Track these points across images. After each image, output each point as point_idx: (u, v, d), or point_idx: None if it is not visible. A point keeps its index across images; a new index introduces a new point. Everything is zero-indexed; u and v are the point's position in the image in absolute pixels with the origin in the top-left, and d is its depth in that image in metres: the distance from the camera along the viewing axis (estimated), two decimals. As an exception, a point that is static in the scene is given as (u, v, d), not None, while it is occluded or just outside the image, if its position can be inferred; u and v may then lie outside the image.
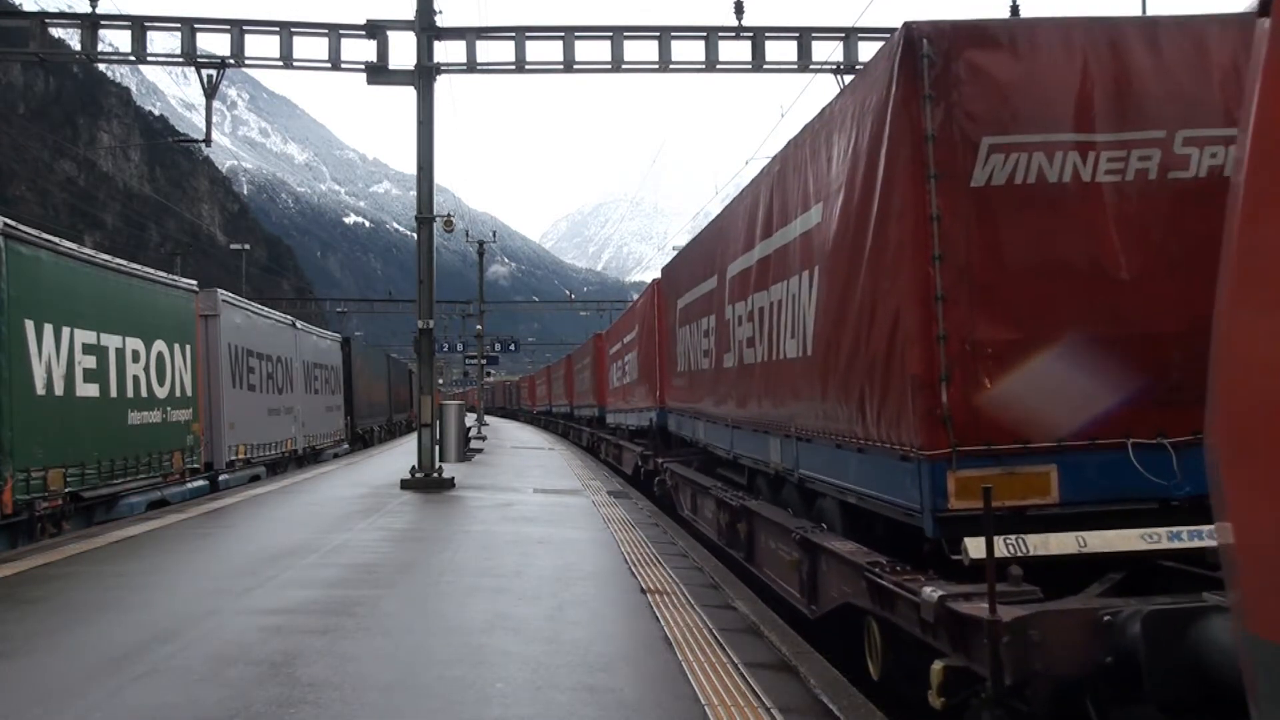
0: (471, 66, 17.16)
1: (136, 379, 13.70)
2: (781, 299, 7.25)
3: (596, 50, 17.26)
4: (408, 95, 17.08)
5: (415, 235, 17.60)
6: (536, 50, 17.25)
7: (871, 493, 5.62)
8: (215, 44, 17.83)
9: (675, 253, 15.97)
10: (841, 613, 5.84)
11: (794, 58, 17.40)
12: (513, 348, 51.20)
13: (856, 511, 6.08)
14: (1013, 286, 4.81)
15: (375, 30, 16.95)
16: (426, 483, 16.19)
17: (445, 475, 16.65)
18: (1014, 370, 4.74)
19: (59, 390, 11.42)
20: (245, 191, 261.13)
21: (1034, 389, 4.74)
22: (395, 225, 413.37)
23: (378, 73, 16.93)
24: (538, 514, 12.81)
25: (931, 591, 4.36)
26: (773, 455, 7.89)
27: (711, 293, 10.21)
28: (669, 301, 13.83)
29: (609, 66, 17.27)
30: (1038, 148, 4.77)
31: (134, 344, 13.62)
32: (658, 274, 17.54)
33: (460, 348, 47.56)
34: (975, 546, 4.38)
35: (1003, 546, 4.40)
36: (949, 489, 4.68)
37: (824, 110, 6.48)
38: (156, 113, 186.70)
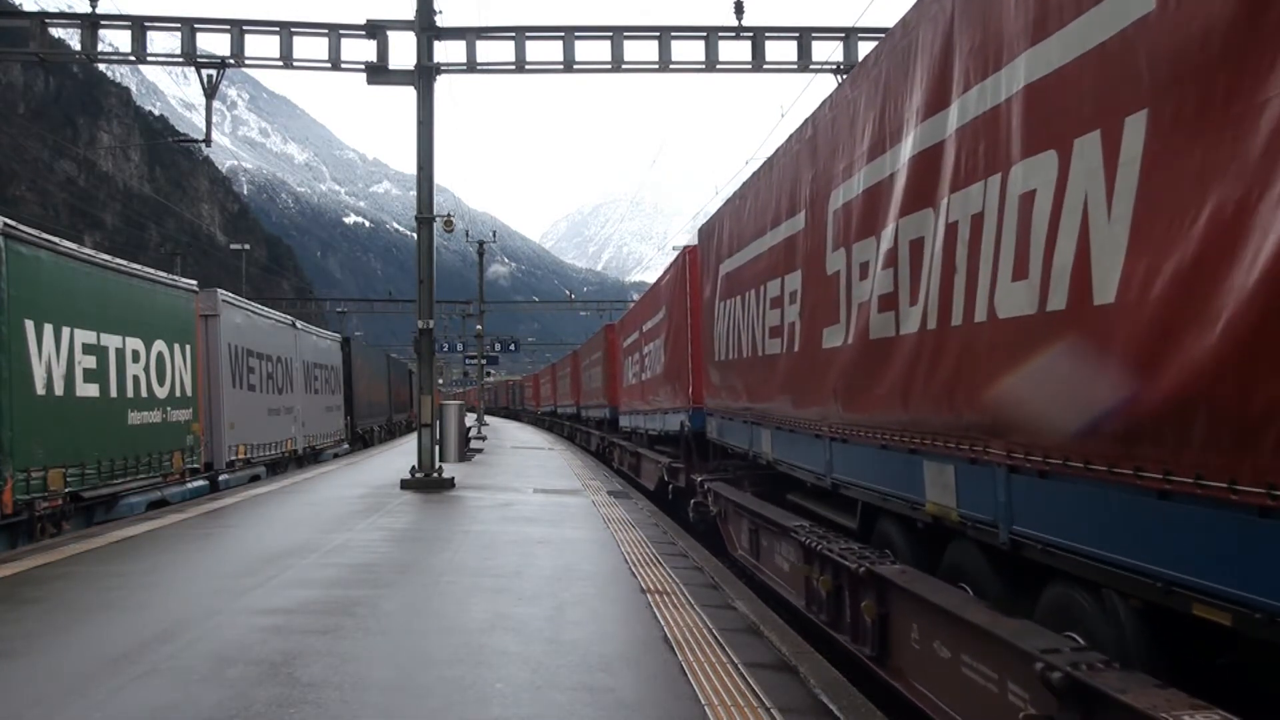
0: (471, 66, 17.16)
1: (136, 379, 13.69)
2: (992, 208, 4.19)
3: (596, 50, 17.28)
4: (408, 95, 17.09)
5: (415, 235, 17.59)
6: (536, 50, 17.28)
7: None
8: (215, 44, 17.89)
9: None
10: None
11: (794, 58, 17.41)
12: (513, 348, 51.18)
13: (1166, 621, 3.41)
14: None
15: (375, 30, 16.95)
16: (426, 483, 16.18)
17: (445, 475, 16.65)
18: None
19: (59, 390, 11.42)
20: (245, 191, 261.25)
21: None
22: (395, 225, 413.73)
23: (378, 73, 16.93)
24: (538, 514, 12.80)
25: None
26: (935, 492, 4.95)
27: (791, 242, 7.52)
28: (707, 272, 11.33)
29: (609, 66, 17.27)
30: None
31: (134, 344, 13.62)
32: (659, 273, 17.26)
33: (460, 348, 47.55)
34: None
35: None
36: None
37: None
38: (156, 113, 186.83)
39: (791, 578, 7.24)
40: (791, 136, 7.92)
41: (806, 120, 7.52)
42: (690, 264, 12.99)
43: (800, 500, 8.06)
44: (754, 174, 9.19)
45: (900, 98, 5.38)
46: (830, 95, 6.98)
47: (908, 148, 5.22)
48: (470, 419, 32.96)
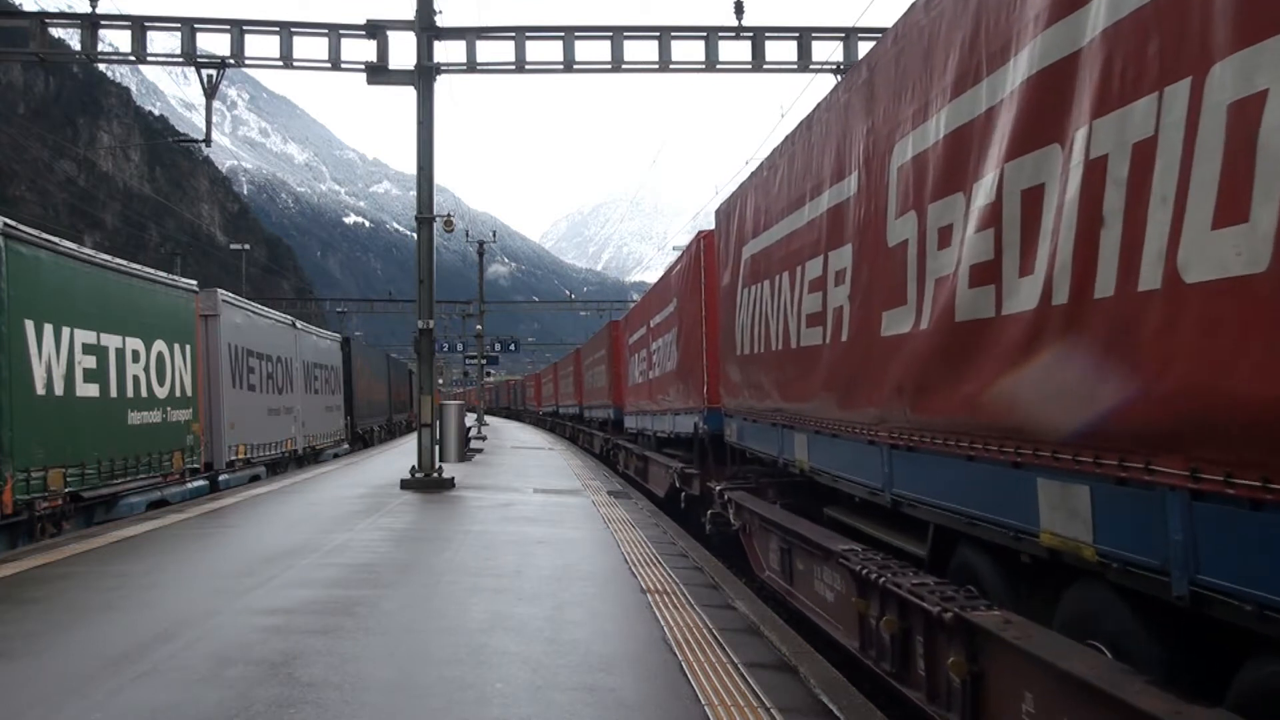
0: (471, 66, 17.16)
1: (136, 379, 13.70)
2: (1173, 129, 3.07)
3: (596, 50, 17.28)
4: (408, 95, 17.09)
5: (415, 235, 17.59)
6: (536, 50, 17.28)
7: None
8: (215, 44, 17.90)
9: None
10: None
11: (794, 58, 17.41)
12: (513, 348, 51.19)
13: None
14: None
15: (375, 30, 16.95)
16: (426, 483, 16.18)
17: (445, 475, 16.64)
18: None
19: (59, 390, 11.42)
20: (245, 191, 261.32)
21: None
22: (395, 225, 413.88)
23: (378, 73, 16.94)
24: (538, 514, 12.80)
25: None
26: (1055, 519, 3.81)
27: (837, 212, 6.36)
28: (725, 257, 10.20)
29: (609, 66, 17.27)
30: None
31: (134, 344, 13.62)
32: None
33: (460, 348, 47.57)
34: None
35: None
36: None
37: None
38: (156, 113, 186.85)
39: (839, 611, 5.96)
40: (837, 87, 6.78)
41: (859, 63, 6.41)
42: (705, 250, 11.91)
43: (843, 517, 6.85)
44: (786, 139, 7.93)
45: (1005, 6, 4.20)
46: (893, 28, 5.64)
47: (1019, 68, 4.03)
48: (470, 419, 32.94)
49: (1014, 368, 4.00)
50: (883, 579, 4.92)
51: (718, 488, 9.69)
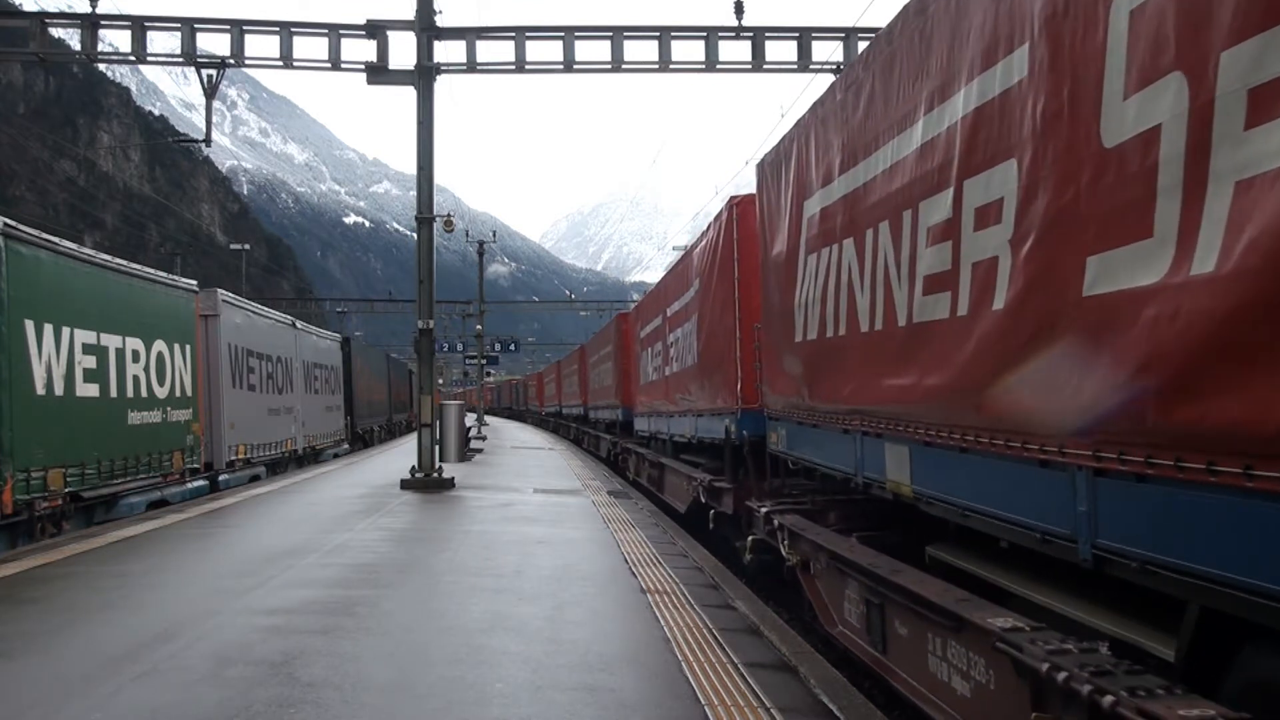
0: (471, 66, 17.16)
1: (136, 379, 13.70)
2: None
3: (596, 50, 17.28)
4: (408, 95, 17.10)
5: (415, 235, 17.60)
6: (536, 50, 17.29)
7: None
8: (215, 44, 17.89)
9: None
10: None
11: (794, 58, 17.42)
12: (513, 348, 51.19)
13: None
14: None
15: (375, 30, 16.95)
16: (426, 483, 16.18)
17: (445, 475, 16.65)
18: None
19: (59, 390, 11.42)
20: (245, 191, 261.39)
21: None
22: (395, 225, 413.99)
23: (378, 73, 16.94)
24: (538, 514, 12.80)
25: None
26: None
27: (985, 115, 4.31)
28: (774, 220, 8.06)
29: (609, 66, 17.27)
30: None
31: (134, 344, 13.62)
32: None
33: (460, 348, 47.58)
34: None
35: None
36: None
37: None
38: (156, 113, 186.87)
39: (983, 714, 3.99)
40: None
41: None
42: (738, 218, 10.14)
43: (964, 564, 4.84)
44: (875, 41, 5.98)
45: None
46: None
47: None
48: (470, 419, 32.95)
49: None
50: (1114, 700, 2.80)
51: (762, 509, 7.66)
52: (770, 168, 8.36)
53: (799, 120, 7.56)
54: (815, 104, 7.09)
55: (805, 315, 7.19)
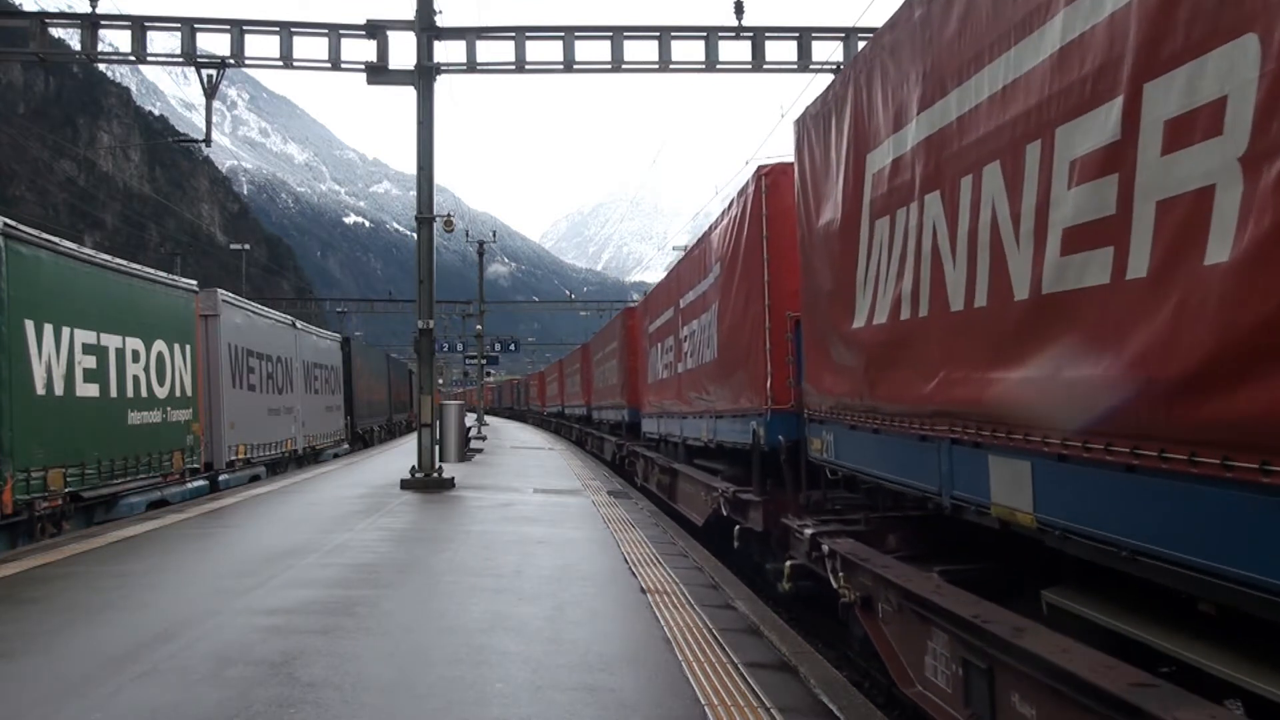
0: (471, 66, 17.16)
1: (136, 379, 13.70)
2: None
3: (596, 50, 17.29)
4: (408, 95, 17.10)
5: (415, 235, 17.60)
6: (536, 50, 17.29)
7: None
8: (215, 44, 17.88)
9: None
10: None
11: (794, 58, 17.42)
12: (513, 348, 51.20)
13: None
14: None
15: (375, 30, 16.96)
16: (426, 483, 16.18)
17: (445, 475, 16.65)
18: None
19: (59, 390, 11.42)
20: (245, 191, 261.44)
21: None
22: (395, 225, 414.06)
23: (378, 73, 16.94)
24: (538, 514, 12.80)
25: None
26: None
27: None
28: (825, 182, 6.68)
29: (609, 66, 17.27)
30: None
31: (134, 344, 13.62)
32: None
33: (460, 348, 47.59)
34: None
35: None
36: None
37: None
38: (156, 113, 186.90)
39: None
40: None
41: None
42: (768, 191, 8.90)
43: (1102, 617, 3.64)
44: None
45: None
46: None
47: None
48: (470, 419, 32.94)
49: None
50: None
51: (806, 529, 6.49)
52: (814, 122, 6.96)
53: (855, 57, 6.31)
54: (880, 31, 5.88)
55: (869, 295, 5.84)
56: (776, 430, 8.30)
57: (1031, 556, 4.24)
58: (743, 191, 9.75)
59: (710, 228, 11.54)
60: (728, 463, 10.85)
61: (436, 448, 17.79)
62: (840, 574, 5.74)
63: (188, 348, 15.76)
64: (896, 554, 5.55)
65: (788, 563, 6.91)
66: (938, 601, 4.37)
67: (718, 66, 17.29)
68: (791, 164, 7.81)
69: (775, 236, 8.72)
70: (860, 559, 5.47)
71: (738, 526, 9.37)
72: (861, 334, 5.97)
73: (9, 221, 10.73)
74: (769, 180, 8.96)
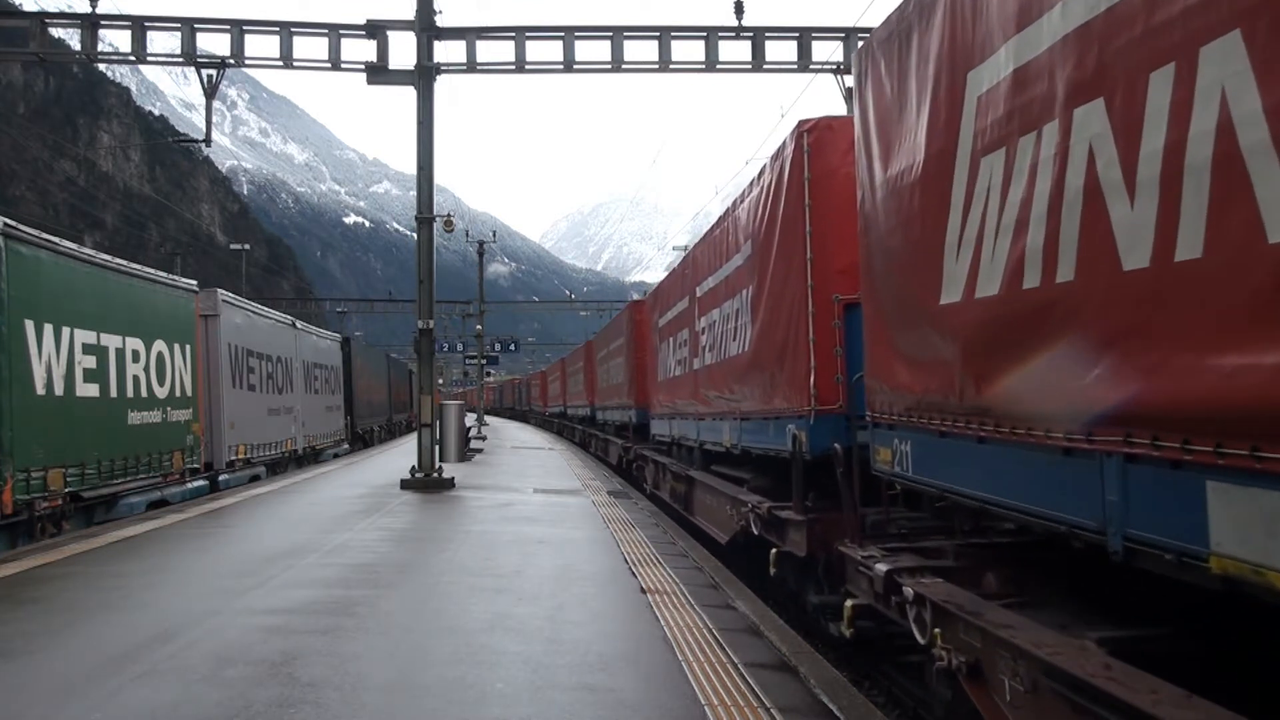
0: (471, 66, 17.16)
1: (136, 379, 13.70)
2: None
3: (596, 50, 17.29)
4: (408, 95, 17.10)
5: (415, 235, 17.60)
6: (536, 50, 17.29)
7: None
8: (215, 44, 17.88)
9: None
10: None
11: (794, 58, 17.43)
12: (513, 348, 51.16)
13: None
14: None
15: (375, 30, 16.96)
16: (426, 483, 16.19)
17: (445, 475, 16.65)
18: None
19: (59, 390, 11.42)
20: (245, 191, 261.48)
21: None
22: (395, 225, 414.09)
23: (378, 73, 16.94)
24: (538, 514, 12.80)
25: None
26: None
27: None
28: (899, 116, 5.24)
29: (609, 66, 17.27)
30: None
31: (134, 344, 13.62)
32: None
33: (460, 348, 47.57)
34: None
35: None
36: None
37: None
38: (156, 113, 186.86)
39: None
40: None
41: None
42: (810, 150, 7.46)
43: None
44: None
45: None
46: None
47: None
48: (470, 419, 32.94)
49: None
50: None
51: (878, 565, 5.11)
52: (884, 48, 5.50)
53: None
54: None
55: (967, 259, 4.43)
56: (824, 436, 6.96)
57: (1234, 617, 2.94)
58: (778, 154, 8.23)
59: (735, 202, 10.01)
60: (753, 470, 9.50)
61: (436, 448, 17.79)
62: (935, 628, 4.38)
63: (188, 348, 15.76)
64: (1003, 601, 4.30)
65: (849, 602, 5.56)
66: (1115, 694, 2.96)
67: (718, 66, 17.29)
68: (837, 119, 7.01)
69: (820, 205, 7.34)
70: (968, 612, 4.12)
71: (774, 550, 7.80)
72: (957, 312, 4.54)
73: (9, 221, 10.73)
74: (812, 138, 7.45)
